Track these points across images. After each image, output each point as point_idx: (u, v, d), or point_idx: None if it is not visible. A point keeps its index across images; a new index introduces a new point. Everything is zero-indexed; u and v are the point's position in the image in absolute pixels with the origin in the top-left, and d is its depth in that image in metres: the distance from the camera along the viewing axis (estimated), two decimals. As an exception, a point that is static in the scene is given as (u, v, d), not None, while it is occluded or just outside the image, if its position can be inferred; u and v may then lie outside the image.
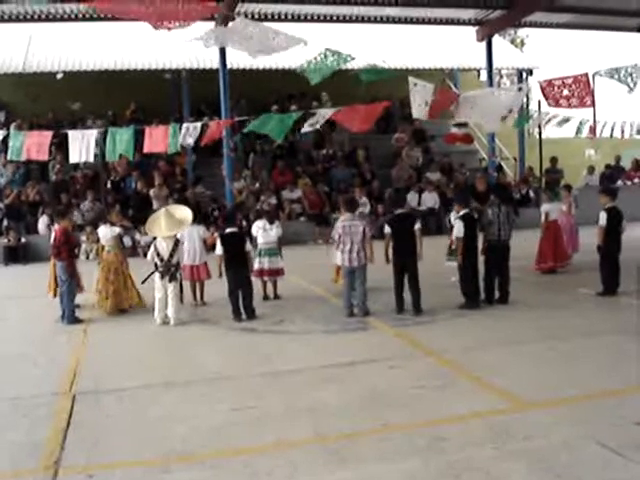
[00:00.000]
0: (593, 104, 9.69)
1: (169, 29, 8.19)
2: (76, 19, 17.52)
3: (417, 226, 9.89)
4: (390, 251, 9.87)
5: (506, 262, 10.29)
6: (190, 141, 13.29)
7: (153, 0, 7.77)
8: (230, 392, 6.71)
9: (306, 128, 11.96)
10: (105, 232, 10.89)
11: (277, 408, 6.17)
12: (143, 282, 10.50)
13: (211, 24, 17.22)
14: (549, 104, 10.20)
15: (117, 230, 10.99)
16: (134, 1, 7.82)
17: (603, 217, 10.45)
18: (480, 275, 10.18)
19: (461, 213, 10.17)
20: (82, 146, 12.81)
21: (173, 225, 10.01)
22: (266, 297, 11.23)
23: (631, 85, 9.26)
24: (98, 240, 16.51)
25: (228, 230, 10.23)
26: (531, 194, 21.57)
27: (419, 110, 10.55)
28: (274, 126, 11.57)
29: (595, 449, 4.99)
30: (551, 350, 7.77)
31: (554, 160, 22.73)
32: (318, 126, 11.89)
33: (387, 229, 9.91)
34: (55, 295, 10.71)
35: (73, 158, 13.17)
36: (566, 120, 16.59)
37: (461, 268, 10.09)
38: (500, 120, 10.40)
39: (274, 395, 6.55)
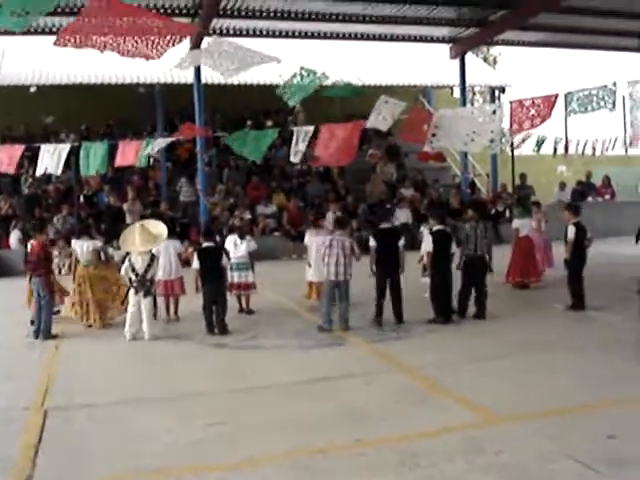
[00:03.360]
0: (550, 116, 9.81)
1: (147, 59, 8.16)
2: (50, 33, 17.43)
3: (401, 242, 10.13)
4: (374, 265, 10.10)
5: (483, 277, 10.39)
6: (155, 150, 13.41)
7: (126, 27, 7.70)
8: (204, 408, 6.67)
9: (293, 158, 12.07)
10: (82, 245, 10.79)
11: (251, 424, 6.15)
12: (122, 302, 10.42)
13: (186, 43, 17.39)
14: (513, 129, 10.32)
15: (99, 244, 10.94)
16: (105, 30, 7.73)
17: (572, 231, 10.62)
18: (454, 290, 10.28)
19: (434, 229, 10.28)
20: (52, 159, 12.76)
21: (148, 241, 9.97)
22: (241, 310, 11.24)
23: (609, 106, 9.40)
24: (71, 254, 16.49)
25: (205, 244, 10.25)
26: (504, 210, 21.76)
27: (377, 121, 10.61)
28: (252, 147, 11.62)
29: (568, 463, 5.03)
30: (524, 364, 7.84)
31: (523, 177, 22.98)
32: (299, 157, 11.98)
33: (372, 242, 10.12)
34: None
35: (40, 170, 13.12)
36: (542, 141, 16.85)
37: (433, 283, 10.19)
38: (480, 145, 10.48)
39: (248, 411, 6.54)
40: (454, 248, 10.29)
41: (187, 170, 21.65)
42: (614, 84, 9.30)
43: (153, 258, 10.00)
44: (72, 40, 7.69)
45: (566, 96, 9.70)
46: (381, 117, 10.55)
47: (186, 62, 9.31)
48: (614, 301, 11.16)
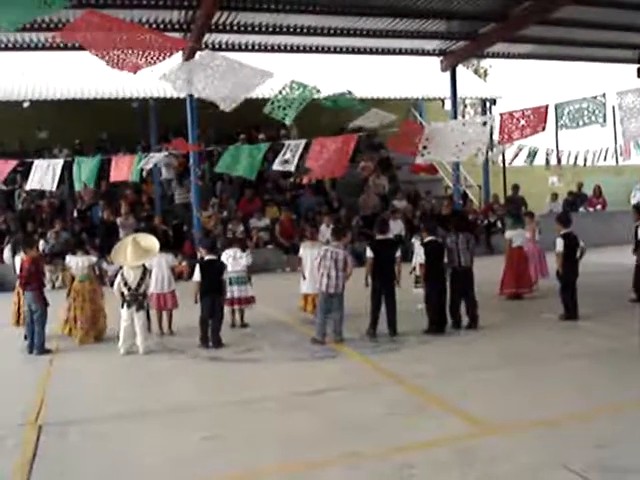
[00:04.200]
0: (544, 129, 9.87)
1: (136, 71, 8.19)
2: (43, 48, 17.51)
3: (398, 253, 10.18)
4: (369, 276, 10.12)
5: (471, 287, 10.45)
6: (150, 165, 13.44)
7: (121, 36, 7.76)
8: (199, 421, 6.69)
9: (277, 166, 12.05)
10: (77, 261, 10.79)
11: (246, 437, 6.17)
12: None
13: (178, 57, 17.47)
14: (502, 139, 10.39)
15: (94, 259, 10.95)
16: (101, 36, 7.80)
17: (560, 243, 10.68)
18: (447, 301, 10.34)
19: (426, 240, 10.35)
20: (46, 175, 12.76)
21: (139, 255, 9.96)
22: (234, 325, 11.24)
23: (600, 120, 9.46)
24: (64, 269, 16.47)
25: (207, 257, 10.25)
26: (496, 221, 21.88)
27: (363, 122, 10.74)
28: (245, 164, 11.60)
29: (561, 472, 5.06)
30: (516, 374, 7.89)
31: (516, 187, 23.07)
32: (292, 168, 11.97)
33: (369, 254, 10.14)
34: (18, 324, 10.62)
35: (32, 186, 13.13)
36: (535, 153, 16.95)
37: (427, 294, 10.26)
38: (468, 155, 10.60)
39: (243, 424, 6.55)
40: (446, 258, 10.35)
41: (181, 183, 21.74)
42: (603, 95, 9.37)
43: (145, 272, 10.01)
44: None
45: (556, 107, 9.75)
46: (368, 119, 10.72)
47: (180, 80, 9.36)
48: (606, 311, 11.25)
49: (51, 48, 17.93)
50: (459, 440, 5.84)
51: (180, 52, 15.97)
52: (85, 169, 12.72)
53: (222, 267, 10.28)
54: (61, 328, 10.88)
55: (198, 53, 10.38)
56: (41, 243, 18.00)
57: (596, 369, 7.96)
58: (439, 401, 6.98)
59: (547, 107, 9.79)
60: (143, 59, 8.02)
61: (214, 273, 10.05)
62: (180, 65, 9.30)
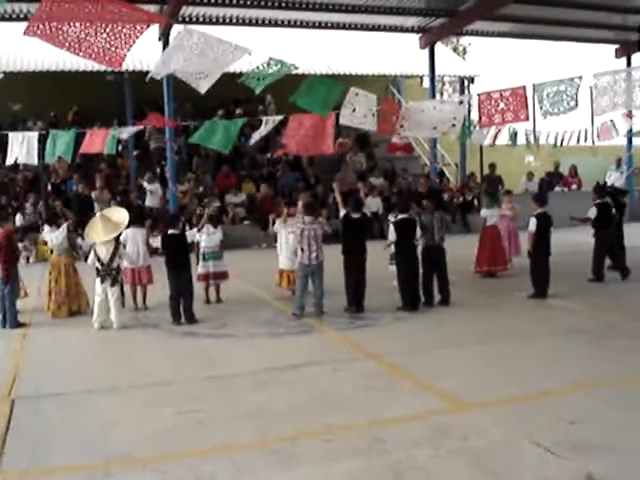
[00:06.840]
0: (527, 118, 9.89)
1: (120, 65, 8.11)
2: (17, 19, 17.19)
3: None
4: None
5: (443, 265, 10.53)
6: (125, 135, 13.37)
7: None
8: (173, 396, 6.69)
9: (256, 137, 12.04)
10: (52, 237, 10.68)
11: (220, 411, 6.19)
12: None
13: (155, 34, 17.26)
14: (482, 122, 10.38)
15: (64, 226, 10.83)
16: (72, 16, 7.67)
17: (532, 222, 10.76)
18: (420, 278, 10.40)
19: (398, 218, 10.38)
20: (22, 148, 12.65)
21: (110, 228, 9.91)
22: (208, 301, 11.24)
23: (575, 104, 9.49)
24: (36, 243, 16.37)
25: (170, 232, 10.21)
26: (472, 199, 21.95)
27: (368, 121, 10.68)
28: (220, 137, 11.58)
29: (531, 448, 5.13)
30: (490, 352, 7.97)
31: (492, 166, 23.14)
32: (265, 132, 11.95)
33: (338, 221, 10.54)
34: None
35: (10, 160, 12.98)
36: (515, 134, 17.00)
37: (399, 271, 10.31)
38: (443, 131, 10.60)
39: (217, 398, 6.57)
40: (418, 235, 10.39)
41: (154, 162, 21.51)
42: (580, 78, 9.40)
43: (117, 247, 9.96)
44: (41, 30, 7.59)
45: (535, 88, 9.75)
46: (355, 111, 10.61)
47: (161, 69, 9.28)
48: (576, 289, 11.37)
49: (26, 19, 17.60)
50: (432, 416, 5.90)
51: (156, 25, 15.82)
52: (61, 143, 12.60)
53: (185, 241, 10.27)
54: (45, 302, 10.79)
55: (175, 27, 10.25)
56: (18, 217, 17.88)
57: (570, 347, 8.05)
58: (413, 377, 7.03)
59: (525, 88, 9.79)
60: (124, 48, 7.89)
61: (176, 247, 10.02)
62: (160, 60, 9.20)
